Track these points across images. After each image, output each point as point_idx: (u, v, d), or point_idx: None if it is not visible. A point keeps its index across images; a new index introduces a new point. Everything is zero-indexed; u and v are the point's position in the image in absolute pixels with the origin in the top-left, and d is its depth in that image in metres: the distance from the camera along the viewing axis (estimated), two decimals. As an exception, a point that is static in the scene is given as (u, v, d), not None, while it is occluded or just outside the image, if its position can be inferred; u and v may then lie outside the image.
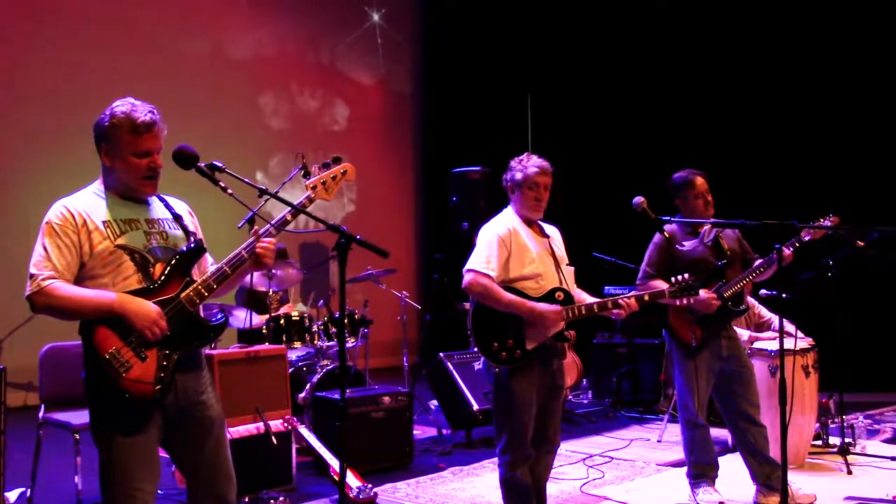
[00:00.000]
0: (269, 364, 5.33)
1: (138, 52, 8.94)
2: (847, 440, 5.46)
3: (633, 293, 3.85)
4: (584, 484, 5.10)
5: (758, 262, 4.51)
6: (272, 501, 4.63)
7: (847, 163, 8.55)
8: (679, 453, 5.10)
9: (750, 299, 5.55)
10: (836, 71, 8.69)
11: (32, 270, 2.68)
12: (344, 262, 2.77)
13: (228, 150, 7.64)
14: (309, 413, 5.68)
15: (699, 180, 4.52)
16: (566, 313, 3.70)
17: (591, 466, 5.53)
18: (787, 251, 4.39)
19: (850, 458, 5.29)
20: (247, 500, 4.60)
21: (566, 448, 5.94)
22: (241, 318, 6.33)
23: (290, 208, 2.90)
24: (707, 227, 4.50)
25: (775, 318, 5.94)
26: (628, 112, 9.95)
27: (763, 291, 5.10)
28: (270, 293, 6.40)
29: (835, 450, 5.50)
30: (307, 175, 3.03)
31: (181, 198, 3.06)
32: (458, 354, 6.54)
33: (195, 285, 2.79)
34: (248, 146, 9.88)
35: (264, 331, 6.31)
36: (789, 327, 5.02)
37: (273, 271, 6.37)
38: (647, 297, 3.84)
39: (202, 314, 2.89)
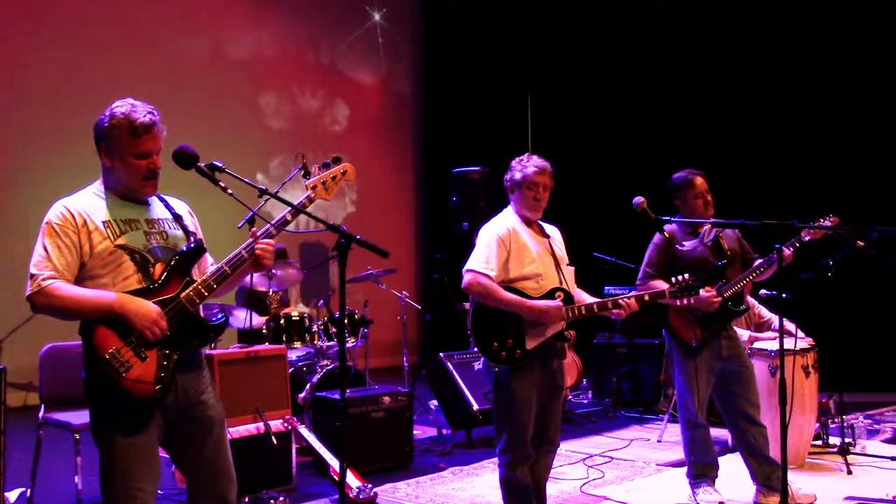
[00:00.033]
0: (269, 364, 5.33)
1: (138, 52, 8.95)
2: (847, 440, 5.46)
3: (633, 293, 3.85)
4: (584, 484, 5.10)
5: (758, 262, 4.51)
6: (272, 501, 4.63)
7: (847, 163, 8.56)
8: (679, 453, 5.10)
9: (750, 299, 5.55)
10: (836, 71, 8.69)
11: (33, 270, 2.68)
12: (344, 262, 2.77)
13: (228, 150, 7.64)
14: (309, 413, 5.68)
15: (699, 180, 4.52)
16: (566, 313, 3.70)
17: (591, 466, 5.53)
18: (787, 251, 4.39)
19: (850, 458, 5.29)
20: (247, 500, 4.60)
21: (566, 448, 5.94)
22: (241, 318, 6.33)
23: (289, 208, 2.90)
24: (707, 227, 4.50)
25: (775, 318, 5.94)
26: (628, 112, 9.95)
27: (763, 291, 5.10)
28: (270, 293, 6.40)
29: (835, 450, 5.50)
30: (307, 175, 3.03)
31: (181, 198, 3.07)
32: (458, 354, 6.54)
33: (195, 285, 2.79)
34: (249, 146, 9.89)
35: (264, 331, 6.31)
36: (789, 327, 5.03)
37: (273, 271, 6.37)
38: (647, 298, 3.85)
39: (202, 314, 2.89)
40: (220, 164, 2.82)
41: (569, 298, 3.77)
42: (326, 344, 6.35)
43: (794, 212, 4.42)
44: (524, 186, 3.82)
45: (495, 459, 3.90)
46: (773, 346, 5.24)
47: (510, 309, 3.67)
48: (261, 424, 4.89)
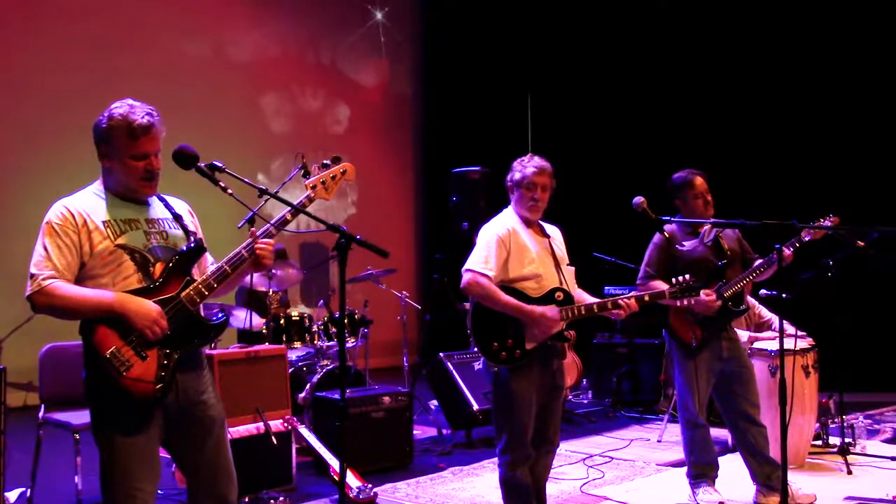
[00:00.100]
0: (269, 364, 5.33)
1: (138, 52, 8.94)
2: (847, 440, 5.46)
3: (633, 293, 3.85)
4: (584, 484, 5.10)
5: (758, 262, 4.51)
6: (272, 501, 4.63)
7: (847, 163, 8.55)
8: (679, 453, 5.10)
9: (750, 299, 5.55)
10: (836, 71, 8.69)
11: (33, 270, 2.68)
12: (344, 262, 2.77)
13: (229, 150, 7.63)
14: (309, 413, 5.68)
15: (699, 180, 4.52)
16: (564, 314, 3.70)
17: (591, 466, 5.53)
18: (787, 251, 4.39)
19: (850, 458, 5.29)
20: (247, 500, 4.60)
21: (566, 448, 5.94)
22: (241, 318, 6.33)
23: (289, 208, 2.90)
24: (707, 227, 4.50)
25: (775, 319, 5.94)
26: (628, 112, 9.94)
27: (763, 291, 5.10)
28: (270, 293, 6.40)
29: (835, 450, 5.50)
30: (307, 175, 3.03)
31: (181, 197, 3.07)
32: (458, 354, 6.53)
33: (195, 284, 2.79)
34: (249, 147, 9.88)
35: (264, 331, 6.31)
36: (789, 329, 5.03)
37: (273, 271, 6.37)
38: (647, 298, 3.85)
39: (202, 314, 2.89)
40: (220, 164, 2.82)
41: (568, 298, 3.77)
42: (326, 344, 6.36)
43: (794, 212, 4.42)
44: (523, 187, 3.83)
45: (495, 459, 3.90)
46: (773, 346, 5.24)
47: (507, 312, 3.67)
48: (261, 424, 4.89)
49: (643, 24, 9.85)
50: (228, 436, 3.02)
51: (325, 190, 3.02)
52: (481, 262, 3.72)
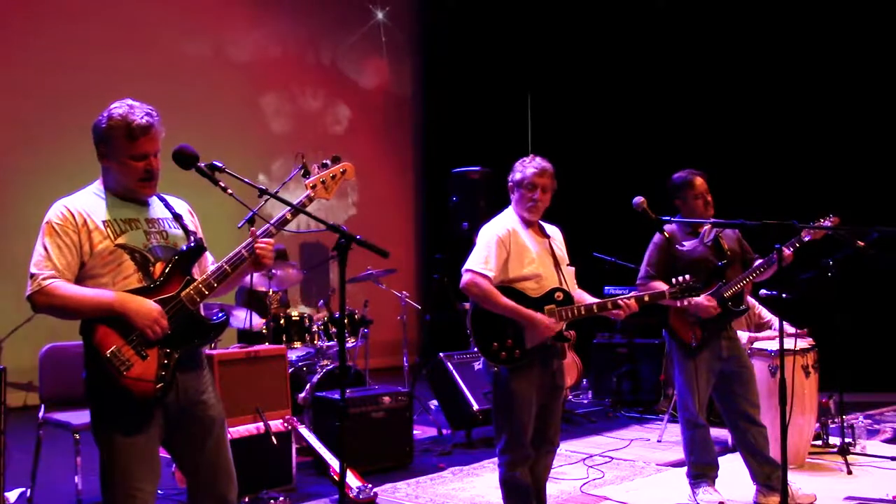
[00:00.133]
0: (269, 364, 5.33)
1: (138, 52, 8.94)
2: (847, 440, 5.46)
3: (633, 294, 3.85)
4: (584, 484, 5.10)
5: (758, 262, 4.51)
6: (272, 501, 4.63)
7: (847, 163, 8.55)
8: (679, 453, 5.10)
9: (750, 299, 5.55)
10: (836, 71, 8.69)
11: (33, 270, 2.68)
12: (344, 262, 2.77)
13: (229, 150, 7.63)
14: (309, 413, 5.68)
15: (699, 180, 4.52)
16: (563, 314, 3.70)
17: (591, 466, 5.53)
18: (787, 251, 4.39)
19: (850, 458, 5.29)
20: (247, 500, 4.60)
21: (566, 448, 5.94)
22: (242, 318, 6.33)
23: (289, 207, 2.90)
24: (707, 227, 4.50)
25: (775, 319, 5.94)
26: (628, 112, 9.95)
27: (763, 291, 5.10)
28: (270, 293, 6.40)
29: (835, 450, 5.50)
30: (307, 174, 3.03)
31: (181, 197, 3.06)
32: (458, 354, 6.54)
33: (196, 284, 2.79)
34: (249, 147, 9.88)
35: (264, 331, 6.31)
36: (790, 331, 5.03)
37: (273, 271, 6.37)
38: (647, 298, 3.85)
39: (202, 313, 2.89)
40: (220, 164, 2.82)
41: (568, 299, 3.77)
42: (326, 344, 6.36)
43: (794, 212, 4.42)
44: (523, 187, 3.83)
45: (495, 459, 3.90)
46: (773, 346, 5.23)
47: (505, 314, 3.68)
48: (261, 424, 4.89)
49: (643, 24, 9.85)
50: (228, 436, 3.02)
51: (325, 190, 3.02)
52: (481, 262, 3.72)
